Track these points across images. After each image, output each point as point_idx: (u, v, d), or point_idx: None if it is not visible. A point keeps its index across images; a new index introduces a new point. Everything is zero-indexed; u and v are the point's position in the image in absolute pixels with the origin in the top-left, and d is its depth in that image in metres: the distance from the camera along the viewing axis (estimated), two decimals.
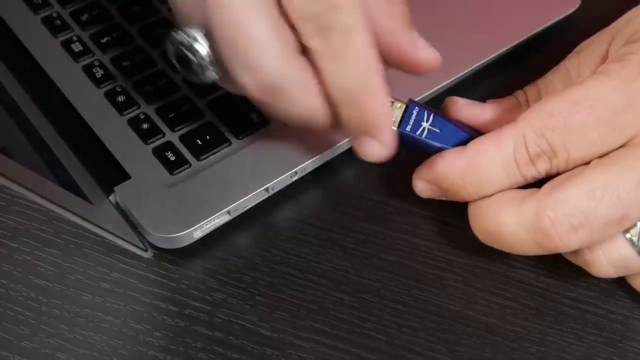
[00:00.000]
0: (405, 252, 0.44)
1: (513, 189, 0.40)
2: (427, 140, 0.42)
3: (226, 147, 0.46)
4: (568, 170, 0.40)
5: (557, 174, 0.40)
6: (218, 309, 0.42)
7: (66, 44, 0.52)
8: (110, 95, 0.49)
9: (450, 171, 0.41)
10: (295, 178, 0.46)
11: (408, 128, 0.42)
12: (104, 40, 0.52)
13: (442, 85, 0.50)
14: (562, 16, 0.54)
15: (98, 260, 0.44)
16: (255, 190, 0.44)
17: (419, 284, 0.43)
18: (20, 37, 0.52)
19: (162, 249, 0.44)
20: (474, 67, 0.51)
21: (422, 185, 0.43)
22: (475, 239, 0.43)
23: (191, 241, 0.43)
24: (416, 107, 0.43)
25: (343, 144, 0.47)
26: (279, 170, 0.45)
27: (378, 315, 0.42)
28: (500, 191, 0.40)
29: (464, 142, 0.42)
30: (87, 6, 0.54)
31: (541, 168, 0.39)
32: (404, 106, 0.42)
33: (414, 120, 0.42)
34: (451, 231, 0.45)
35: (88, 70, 0.50)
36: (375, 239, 0.45)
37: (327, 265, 0.44)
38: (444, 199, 0.43)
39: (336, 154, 0.47)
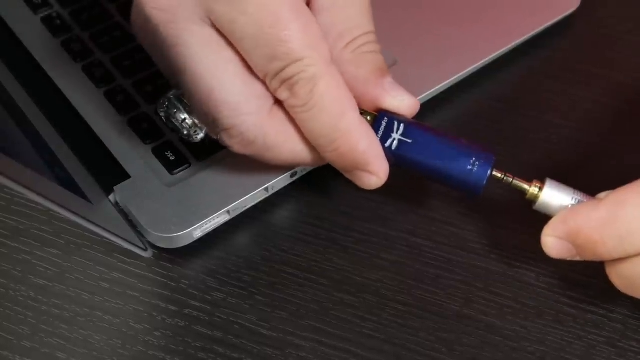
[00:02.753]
0: (406, 252, 0.44)
1: None
2: (398, 152, 0.39)
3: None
4: None
5: None
6: (218, 309, 0.42)
7: (66, 44, 0.51)
8: (110, 95, 0.49)
9: (586, 224, 0.37)
10: (295, 178, 0.46)
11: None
12: (104, 40, 0.52)
13: (442, 85, 0.50)
14: (562, 16, 0.54)
15: (98, 260, 0.44)
16: (255, 190, 0.44)
17: (419, 283, 0.43)
18: (20, 37, 0.52)
19: (162, 249, 0.44)
20: (474, 67, 0.51)
21: (552, 243, 0.38)
22: (475, 239, 0.43)
23: (191, 241, 0.43)
24: (385, 117, 0.40)
25: None
26: (278, 170, 0.45)
27: (378, 314, 0.42)
28: None
29: (446, 155, 0.39)
30: (87, 6, 0.54)
31: None
32: (372, 117, 0.40)
33: (383, 131, 0.40)
34: (451, 231, 0.45)
35: (88, 70, 0.50)
36: (375, 239, 0.45)
37: (327, 264, 0.44)
38: (578, 259, 0.39)
39: None
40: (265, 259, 0.44)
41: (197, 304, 0.42)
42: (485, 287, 0.43)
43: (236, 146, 0.39)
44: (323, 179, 0.47)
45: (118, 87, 0.49)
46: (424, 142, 0.39)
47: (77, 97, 0.49)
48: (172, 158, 0.45)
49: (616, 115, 0.50)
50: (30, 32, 0.53)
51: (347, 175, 0.41)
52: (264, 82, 0.38)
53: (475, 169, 0.39)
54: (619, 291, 0.43)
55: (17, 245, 0.44)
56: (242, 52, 0.37)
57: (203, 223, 0.43)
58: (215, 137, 0.40)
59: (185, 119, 0.40)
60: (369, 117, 0.40)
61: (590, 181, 0.46)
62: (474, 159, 0.39)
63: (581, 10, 0.54)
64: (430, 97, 0.49)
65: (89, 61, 0.51)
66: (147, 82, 0.49)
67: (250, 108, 0.37)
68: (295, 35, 0.36)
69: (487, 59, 0.51)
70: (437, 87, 0.49)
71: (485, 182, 0.39)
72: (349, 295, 0.43)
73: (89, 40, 0.52)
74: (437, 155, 0.39)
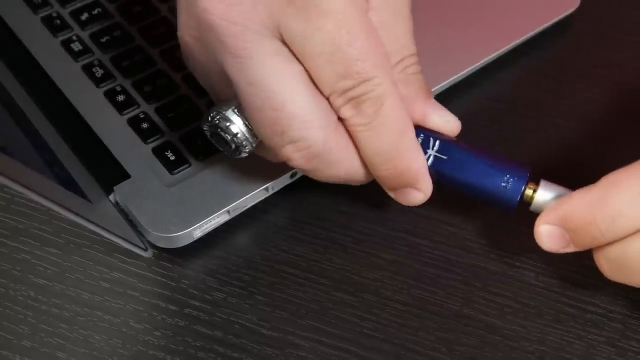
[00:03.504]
0: (405, 252, 0.44)
1: None
2: (434, 168, 0.40)
3: None
4: None
5: None
6: (218, 308, 0.42)
7: (66, 44, 0.52)
8: (110, 95, 0.49)
9: (579, 206, 0.37)
10: (294, 178, 0.46)
11: None
12: (104, 39, 0.52)
13: (441, 85, 0.50)
14: (561, 16, 0.54)
15: (98, 260, 0.44)
16: (254, 190, 0.44)
17: (419, 283, 0.43)
18: (20, 36, 0.52)
19: (162, 248, 0.44)
20: (473, 67, 0.51)
21: (546, 231, 0.38)
22: (474, 238, 0.43)
23: (191, 240, 0.43)
24: (422, 134, 0.40)
25: None
26: (278, 169, 0.45)
27: (378, 314, 0.42)
28: (635, 226, 0.36)
29: (480, 171, 0.39)
30: (87, 6, 0.54)
31: None
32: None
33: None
34: (451, 231, 0.45)
35: (88, 69, 0.50)
36: (375, 238, 0.45)
37: (327, 264, 0.44)
38: (572, 250, 0.39)
39: None
40: (265, 259, 0.44)
41: (197, 303, 0.42)
42: (485, 287, 0.43)
43: (299, 160, 0.38)
44: None
45: (118, 86, 0.49)
46: (458, 159, 0.39)
47: (77, 97, 0.49)
48: (172, 158, 0.46)
49: (616, 115, 0.50)
50: (30, 31, 0.53)
51: (391, 193, 0.41)
52: (327, 98, 0.38)
53: (509, 185, 0.39)
54: (619, 291, 0.43)
55: (17, 244, 0.44)
56: (310, 68, 0.37)
57: (203, 223, 0.43)
58: (264, 153, 0.40)
59: (237, 134, 0.39)
60: None
61: (590, 181, 0.46)
62: (507, 175, 0.39)
63: (581, 10, 0.54)
64: None
65: (89, 61, 0.51)
66: (147, 81, 0.49)
67: (321, 122, 0.37)
68: (369, 54, 0.36)
69: (486, 59, 0.51)
70: (437, 87, 0.49)
71: (518, 199, 0.39)
72: (348, 294, 0.43)
73: (88, 39, 0.52)
74: (471, 171, 0.39)
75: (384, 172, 0.39)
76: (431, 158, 0.40)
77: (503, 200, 0.39)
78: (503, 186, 0.39)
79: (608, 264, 0.38)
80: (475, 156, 0.40)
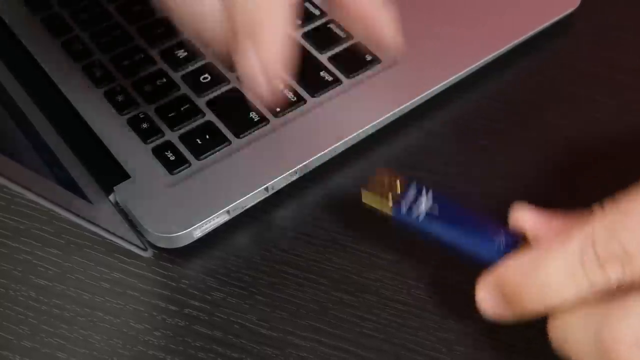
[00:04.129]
0: (405, 251, 0.44)
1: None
2: (424, 225, 0.39)
3: (226, 146, 0.46)
4: None
5: (634, 288, 0.34)
6: (218, 308, 0.42)
7: (66, 44, 0.52)
8: (110, 95, 0.49)
9: (512, 270, 0.36)
10: (295, 177, 0.46)
11: (403, 210, 0.39)
12: (104, 40, 0.52)
13: (441, 84, 0.50)
14: (561, 16, 0.54)
15: (98, 260, 0.44)
16: (254, 190, 0.44)
17: (419, 283, 0.43)
18: (20, 37, 0.52)
19: (162, 249, 0.44)
20: (473, 66, 0.51)
21: (484, 295, 0.38)
22: None
23: (191, 240, 0.43)
24: (416, 187, 0.39)
25: (343, 144, 0.47)
26: (278, 169, 0.45)
27: (377, 314, 0.42)
28: (566, 298, 0.35)
29: (474, 232, 0.39)
30: (87, 6, 0.54)
31: (612, 275, 0.34)
32: (404, 185, 0.40)
33: (412, 201, 0.39)
34: None
35: (88, 69, 0.50)
36: (375, 238, 0.45)
37: (326, 264, 0.44)
38: (509, 316, 0.37)
39: (336, 153, 0.47)
40: (265, 259, 0.44)
41: (197, 303, 0.42)
42: None
43: None
44: (323, 179, 0.47)
45: (117, 86, 0.49)
46: (450, 217, 0.39)
47: (77, 97, 0.49)
48: (172, 158, 0.46)
49: (616, 115, 0.50)
50: (30, 32, 0.53)
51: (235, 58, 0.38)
52: None
53: (493, 248, 0.38)
54: None
55: (17, 245, 0.45)
56: None
57: (203, 223, 0.43)
58: None
59: None
60: (399, 185, 0.39)
61: (590, 182, 0.46)
62: (495, 241, 0.39)
63: (581, 10, 0.54)
64: (430, 96, 0.49)
65: (89, 61, 0.51)
66: (147, 81, 0.49)
67: None
68: None
69: (486, 58, 0.51)
70: (436, 87, 0.49)
71: (497, 260, 0.38)
72: (348, 294, 0.43)
73: (88, 40, 0.52)
74: (458, 232, 0.39)
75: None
76: (422, 215, 0.39)
77: (483, 258, 0.39)
78: (486, 249, 0.39)
79: (553, 336, 0.37)
80: (468, 219, 0.39)
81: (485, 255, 0.38)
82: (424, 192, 0.39)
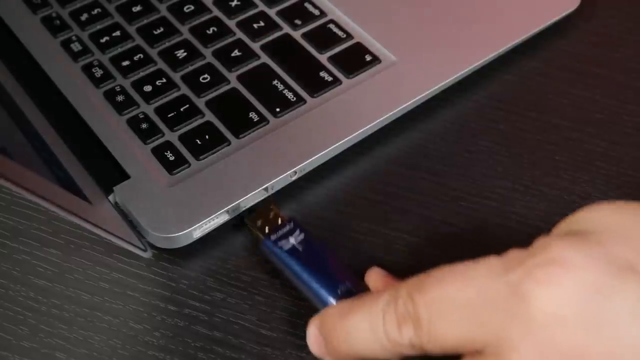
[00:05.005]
0: (405, 252, 0.44)
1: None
2: (284, 257, 0.42)
3: (225, 146, 0.46)
4: (434, 351, 0.35)
5: (424, 352, 0.35)
6: (217, 309, 0.42)
7: (65, 44, 0.52)
8: (110, 95, 0.49)
9: (331, 313, 0.38)
10: (294, 177, 0.46)
11: (272, 239, 0.42)
12: (103, 40, 0.52)
13: (441, 84, 0.49)
14: (561, 16, 0.54)
15: (97, 260, 0.44)
16: (254, 190, 0.44)
17: None
18: (20, 36, 0.52)
19: (162, 249, 0.44)
20: (473, 66, 0.51)
21: (311, 332, 0.39)
22: (474, 239, 0.43)
23: (190, 241, 0.43)
24: (292, 223, 0.43)
25: (343, 144, 0.47)
26: (278, 169, 0.45)
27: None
28: (369, 349, 0.37)
29: (324, 273, 0.41)
30: (86, 6, 0.54)
31: (405, 335, 0.35)
32: (284, 221, 0.43)
33: (285, 233, 0.42)
34: (451, 231, 0.45)
35: (87, 69, 0.50)
36: (374, 239, 0.45)
37: None
38: (328, 356, 0.39)
39: (336, 154, 0.47)
40: (265, 259, 0.44)
41: (196, 304, 0.42)
42: None
43: None
44: (322, 179, 0.47)
45: (117, 86, 0.49)
46: (311, 257, 0.42)
47: (77, 97, 0.49)
48: (171, 158, 0.45)
49: (616, 115, 0.50)
50: (30, 32, 0.53)
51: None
52: None
53: (334, 293, 0.40)
54: None
55: (16, 245, 0.44)
56: None
57: (203, 223, 0.43)
58: None
59: None
60: (280, 220, 0.44)
61: (590, 182, 0.46)
62: (338, 286, 0.41)
63: (581, 10, 0.54)
64: (429, 96, 0.49)
65: (89, 61, 0.51)
66: (146, 81, 0.49)
67: None
68: None
69: (486, 58, 0.51)
70: (436, 87, 0.49)
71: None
72: None
73: (88, 40, 0.52)
74: (315, 273, 0.41)
75: None
76: (289, 246, 0.42)
77: (321, 303, 0.41)
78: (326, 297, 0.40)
79: None
80: (324, 258, 0.42)
81: (325, 297, 0.40)
82: (297, 231, 0.42)
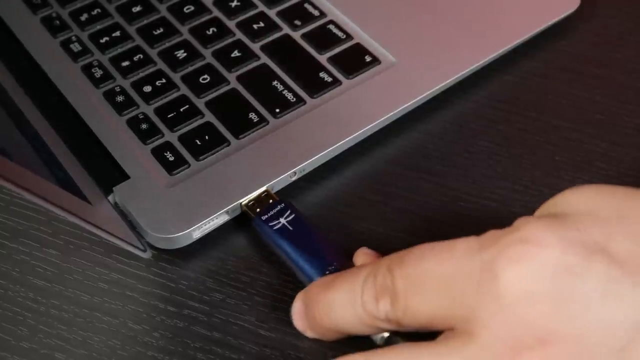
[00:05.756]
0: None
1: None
2: (274, 236, 0.42)
3: (225, 147, 0.46)
4: (409, 326, 0.36)
5: (400, 327, 0.36)
6: (217, 309, 0.42)
7: (65, 44, 0.52)
8: (109, 95, 0.49)
9: (315, 286, 0.39)
10: (294, 178, 0.46)
11: (263, 218, 0.43)
12: (103, 40, 0.52)
13: (441, 85, 0.49)
14: (561, 17, 0.54)
15: (97, 261, 0.44)
16: (254, 191, 0.44)
17: None
18: (20, 37, 0.52)
19: (161, 249, 0.44)
20: (473, 67, 0.50)
21: (296, 307, 0.40)
22: None
23: (190, 241, 0.43)
24: (283, 204, 0.43)
25: (342, 144, 0.47)
26: (278, 170, 0.45)
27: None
28: (347, 321, 0.38)
29: (313, 251, 0.42)
30: (86, 6, 0.54)
31: (382, 308, 0.36)
32: (274, 200, 0.44)
33: (275, 213, 0.43)
34: (451, 231, 0.45)
35: (87, 70, 0.50)
36: (374, 239, 0.45)
37: None
38: (309, 329, 0.40)
39: (336, 154, 0.47)
40: (264, 260, 0.44)
41: (196, 304, 0.42)
42: None
43: None
44: (322, 179, 0.47)
45: (117, 87, 0.49)
46: (301, 234, 0.43)
47: (76, 98, 0.49)
48: (171, 159, 0.45)
49: (616, 116, 0.50)
50: (30, 32, 0.53)
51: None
52: None
53: (322, 269, 0.41)
54: None
55: (16, 245, 0.44)
56: None
57: (202, 224, 0.43)
58: None
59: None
60: (271, 200, 0.44)
61: (590, 182, 0.46)
62: (326, 263, 0.41)
63: (580, 10, 0.54)
64: (430, 97, 0.49)
65: (88, 61, 0.51)
66: (146, 82, 0.49)
67: None
68: None
69: (486, 59, 0.51)
70: (436, 87, 0.49)
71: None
72: None
73: (88, 40, 0.52)
74: (305, 250, 0.42)
75: None
76: (279, 225, 0.43)
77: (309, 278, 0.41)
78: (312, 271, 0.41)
79: None
80: (314, 239, 0.43)
81: (313, 277, 0.41)
82: (289, 211, 0.43)
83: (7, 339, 0.41)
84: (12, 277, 0.43)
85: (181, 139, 0.46)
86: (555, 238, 0.33)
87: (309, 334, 0.40)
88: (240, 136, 0.47)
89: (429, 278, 0.35)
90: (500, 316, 0.33)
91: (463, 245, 0.35)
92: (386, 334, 0.38)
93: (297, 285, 0.43)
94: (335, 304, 0.38)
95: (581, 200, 0.35)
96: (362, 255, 0.42)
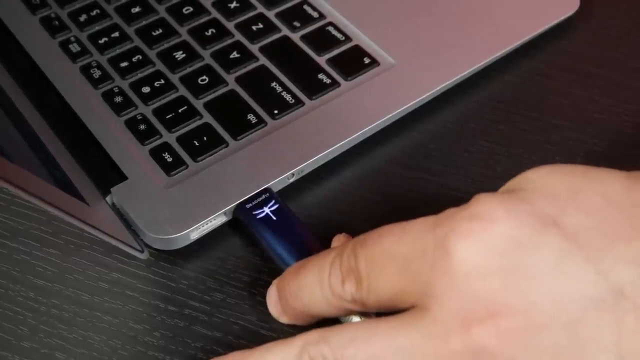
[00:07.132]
0: None
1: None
2: (257, 225, 0.43)
3: (223, 148, 0.46)
4: (374, 306, 0.36)
5: (365, 307, 0.37)
6: (217, 309, 0.42)
7: (64, 45, 0.52)
8: (108, 96, 0.49)
9: (289, 269, 0.40)
10: (292, 179, 0.46)
11: (246, 207, 0.44)
12: (102, 41, 0.52)
13: (442, 85, 0.49)
14: (562, 18, 0.54)
15: (97, 260, 0.44)
16: (252, 192, 0.44)
17: None
18: (18, 37, 0.52)
19: (160, 250, 0.44)
20: (474, 68, 0.50)
21: (271, 291, 0.41)
22: None
23: (187, 242, 0.43)
24: (268, 194, 0.44)
25: (341, 146, 0.47)
26: (276, 171, 0.45)
27: (377, 314, 0.42)
28: (316, 302, 0.38)
29: (293, 241, 0.42)
30: (85, 7, 0.54)
31: (348, 290, 0.36)
32: (259, 191, 0.44)
33: (259, 202, 0.44)
34: None
35: (86, 70, 0.50)
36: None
37: None
38: (283, 314, 0.41)
39: (334, 156, 0.47)
40: (265, 259, 0.44)
41: (196, 304, 0.42)
42: None
43: None
44: (321, 180, 0.47)
45: (115, 87, 0.49)
46: (285, 225, 0.43)
47: (75, 98, 0.49)
48: (169, 159, 0.45)
49: (616, 115, 0.50)
50: (29, 32, 0.53)
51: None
52: None
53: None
54: None
55: (16, 245, 0.44)
56: None
57: (200, 225, 0.43)
58: None
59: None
60: (257, 191, 0.44)
61: None
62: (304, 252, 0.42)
63: (580, 10, 0.54)
64: (430, 97, 0.49)
65: (87, 62, 0.51)
66: (145, 82, 0.49)
67: None
68: None
69: (487, 60, 0.51)
70: (437, 88, 0.49)
71: None
72: None
73: (87, 41, 0.52)
74: (285, 241, 0.43)
75: None
76: (262, 214, 0.43)
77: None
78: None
79: None
80: (296, 232, 0.43)
81: (290, 261, 0.41)
82: (272, 202, 0.44)
83: (8, 338, 0.41)
84: (12, 277, 0.43)
85: (179, 140, 0.46)
86: (505, 211, 0.33)
87: (283, 319, 0.41)
88: (239, 137, 0.47)
89: (388, 257, 0.35)
90: (452, 291, 0.33)
91: (420, 224, 0.35)
92: (356, 317, 0.39)
93: None
94: (305, 286, 0.38)
95: (538, 177, 0.36)
96: (337, 241, 0.42)
